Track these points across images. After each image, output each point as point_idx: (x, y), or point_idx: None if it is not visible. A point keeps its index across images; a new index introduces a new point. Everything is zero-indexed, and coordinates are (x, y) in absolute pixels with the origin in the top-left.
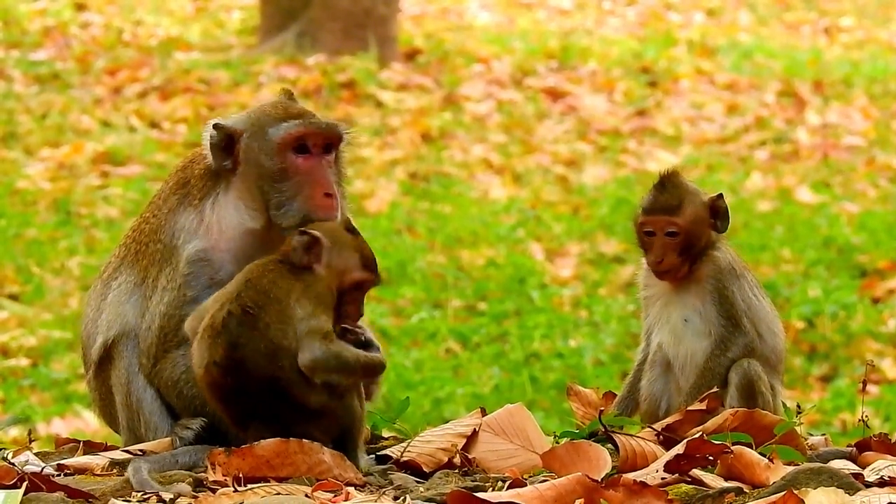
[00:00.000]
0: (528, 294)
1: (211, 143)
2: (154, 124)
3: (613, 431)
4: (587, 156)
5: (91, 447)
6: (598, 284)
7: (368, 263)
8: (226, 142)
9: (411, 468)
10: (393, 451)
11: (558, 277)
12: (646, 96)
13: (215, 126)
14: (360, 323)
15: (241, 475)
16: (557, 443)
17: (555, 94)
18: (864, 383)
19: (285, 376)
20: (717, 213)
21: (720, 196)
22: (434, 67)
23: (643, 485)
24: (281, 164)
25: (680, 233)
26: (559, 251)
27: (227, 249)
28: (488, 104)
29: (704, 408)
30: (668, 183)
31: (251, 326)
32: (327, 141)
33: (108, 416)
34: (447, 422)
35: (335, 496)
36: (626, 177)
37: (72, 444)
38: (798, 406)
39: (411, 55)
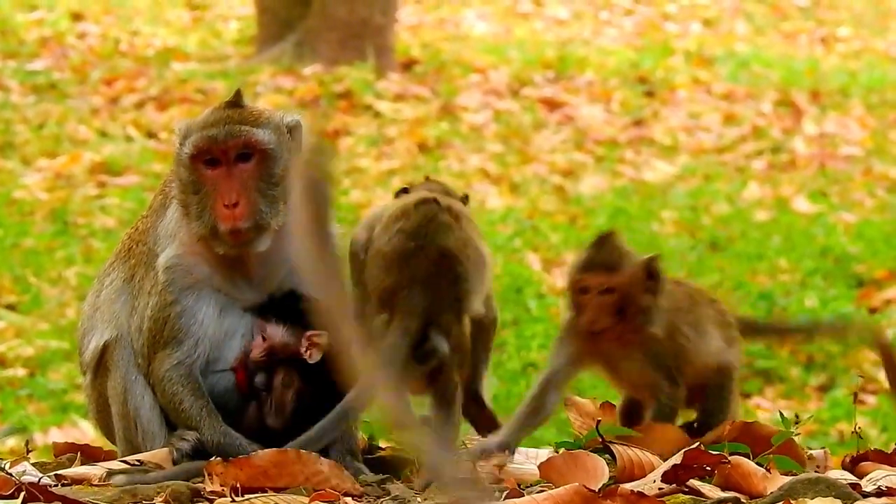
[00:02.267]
0: (525, 304)
1: (175, 140)
2: (151, 134)
3: (611, 442)
4: (584, 166)
5: (89, 453)
6: None
7: None
8: (179, 140)
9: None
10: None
11: (555, 287)
12: (643, 106)
13: (178, 124)
14: None
15: (238, 485)
16: (555, 453)
17: (552, 104)
18: (856, 396)
19: None
20: (652, 274)
21: (655, 258)
22: (431, 77)
23: (641, 495)
24: (192, 177)
25: (616, 291)
26: (556, 261)
27: (195, 252)
28: (485, 114)
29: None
30: (606, 242)
31: None
32: (238, 150)
33: (105, 426)
34: None
35: None
36: (623, 186)
37: (69, 454)
38: (796, 416)
39: (408, 65)
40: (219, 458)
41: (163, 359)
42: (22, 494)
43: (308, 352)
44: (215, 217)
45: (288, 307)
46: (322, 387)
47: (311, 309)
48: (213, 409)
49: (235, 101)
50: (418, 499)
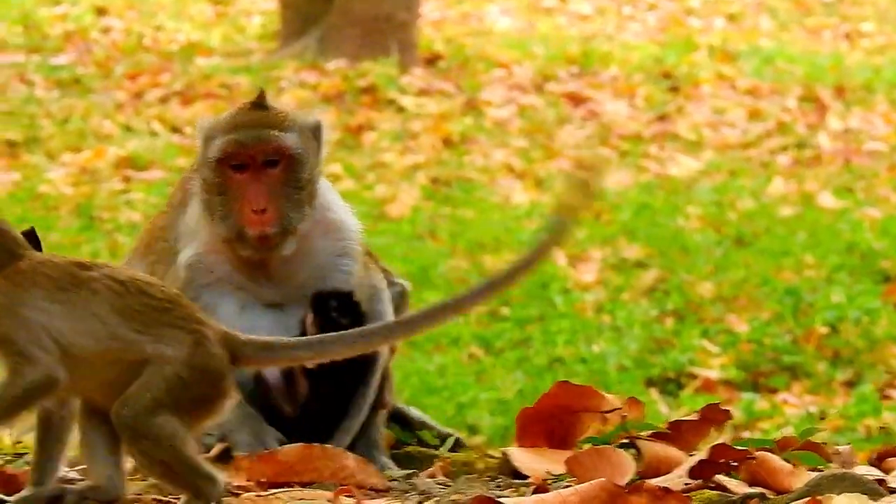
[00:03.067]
0: (550, 299)
1: (198, 142)
2: (175, 129)
3: (637, 437)
4: (609, 161)
5: None
6: (620, 289)
7: None
8: (202, 140)
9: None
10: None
11: (581, 282)
12: (667, 101)
13: (199, 125)
14: None
15: (264, 480)
16: (580, 448)
17: (576, 99)
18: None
19: None
20: None
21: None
22: (455, 72)
23: (667, 491)
24: (217, 178)
25: None
26: (581, 256)
27: (216, 251)
28: (509, 109)
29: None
30: None
31: None
32: (265, 155)
33: None
34: (470, 427)
35: (358, 500)
36: (647, 182)
37: None
38: (822, 412)
39: (432, 60)
40: (245, 453)
41: None
42: None
43: None
44: (242, 221)
45: (319, 302)
46: (338, 377)
47: (342, 305)
48: (250, 409)
49: (260, 103)
50: (445, 494)
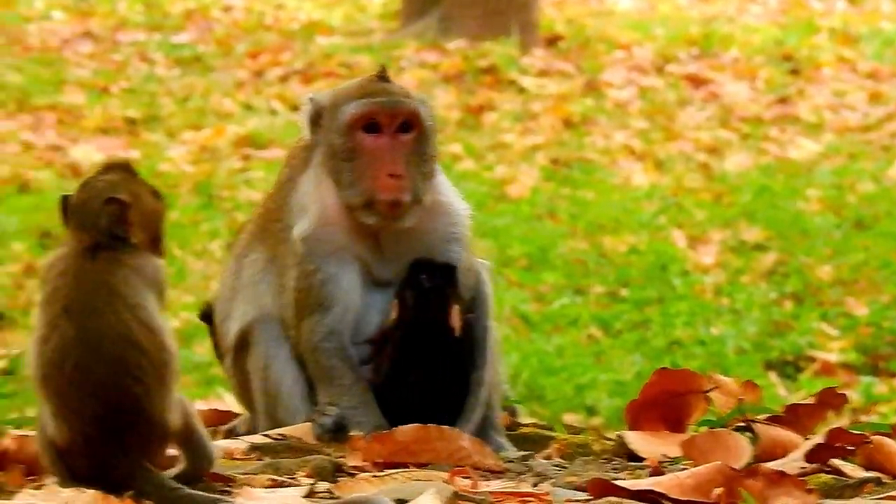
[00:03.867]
0: (669, 281)
1: (305, 117)
2: (295, 108)
3: (753, 420)
4: (729, 143)
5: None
6: (739, 272)
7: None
8: (314, 116)
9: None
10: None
11: (700, 265)
12: (787, 84)
13: (310, 99)
14: None
15: (380, 460)
16: (696, 431)
17: (696, 81)
18: None
19: None
20: None
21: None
22: (575, 53)
23: (782, 474)
24: (350, 143)
25: None
26: (701, 238)
27: (331, 223)
28: (630, 90)
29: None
30: None
31: None
32: (401, 120)
33: (248, 404)
34: (588, 408)
35: (473, 482)
36: (767, 164)
37: (211, 428)
38: None
39: (552, 41)
40: (361, 433)
41: (311, 326)
42: None
43: (454, 324)
44: (374, 186)
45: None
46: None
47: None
48: (366, 386)
49: (384, 76)
50: (560, 476)
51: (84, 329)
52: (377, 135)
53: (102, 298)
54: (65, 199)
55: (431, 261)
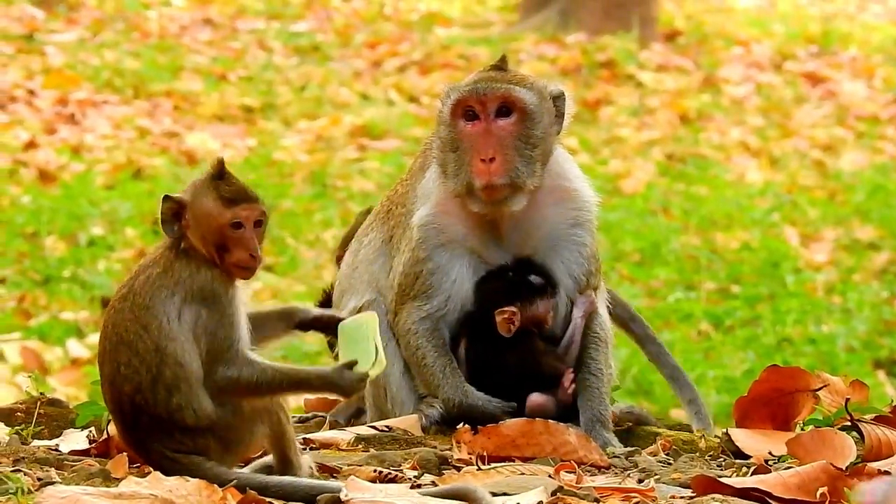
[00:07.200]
0: (781, 278)
1: (439, 108)
2: (412, 99)
3: (860, 420)
4: (845, 141)
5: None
6: (852, 270)
7: (229, 199)
8: (441, 107)
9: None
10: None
11: (812, 262)
12: None
13: (443, 87)
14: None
15: (485, 454)
16: (803, 430)
17: (814, 79)
18: None
19: None
20: None
21: None
22: (693, 49)
23: (888, 474)
24: (451, 132)
25: None
26: (814, 236)
27: (450, 212)
28: (747, 87)
29: None
30: None
31: None
32: (496, 104)
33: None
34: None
35: (578, 477)
36: (883, 163)
37: (318, 419)
38: None
39: (671, 36)
40: (467, 426)
41: (410, 311)
42: None
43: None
44: (471, 173)
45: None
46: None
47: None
48: (455, 367)
49: (500, 65)
50: (665, 472)
51: (104, 324)
52: (475, 122)
53: (126, 296)
54: None
55: (531, 260)
